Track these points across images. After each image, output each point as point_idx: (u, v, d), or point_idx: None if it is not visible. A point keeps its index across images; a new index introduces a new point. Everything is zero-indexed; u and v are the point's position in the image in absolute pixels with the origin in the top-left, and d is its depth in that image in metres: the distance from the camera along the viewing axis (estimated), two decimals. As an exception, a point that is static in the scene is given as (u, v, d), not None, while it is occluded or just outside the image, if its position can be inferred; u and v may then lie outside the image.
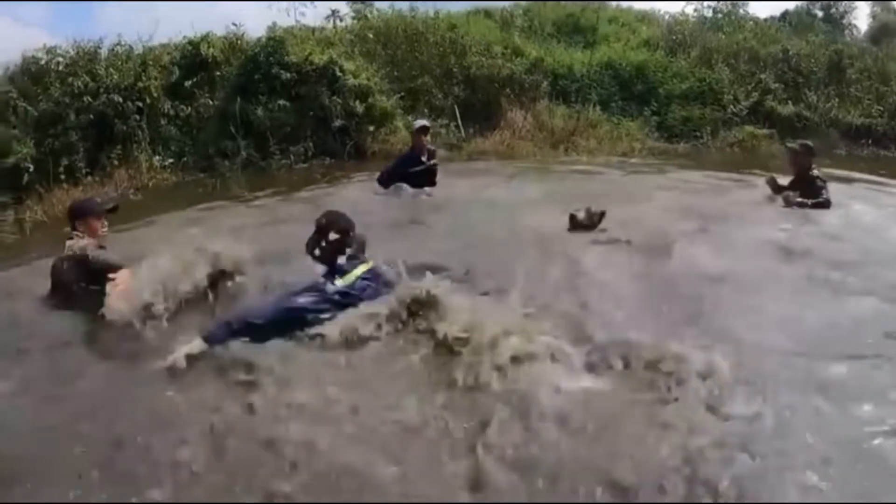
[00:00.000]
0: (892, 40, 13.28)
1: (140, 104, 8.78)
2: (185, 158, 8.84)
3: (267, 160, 8.83)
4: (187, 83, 9.24)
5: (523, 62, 10.45)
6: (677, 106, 10.98)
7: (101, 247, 3.69)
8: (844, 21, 15.77)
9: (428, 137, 6.35)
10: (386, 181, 6.13)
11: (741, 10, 14.10)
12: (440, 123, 9.50)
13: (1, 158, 8.28)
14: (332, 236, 3.12)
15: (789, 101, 11.18)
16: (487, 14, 13.15)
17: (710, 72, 11.44)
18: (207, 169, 8.73)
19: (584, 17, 13.37)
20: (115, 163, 8.47)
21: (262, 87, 9.08)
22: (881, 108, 11.04)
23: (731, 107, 11.03)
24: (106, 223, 3.78)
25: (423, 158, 6.13)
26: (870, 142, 10.72)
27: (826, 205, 5.35)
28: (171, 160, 8.76)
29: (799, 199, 5.38)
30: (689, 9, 14.42)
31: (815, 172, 5.63)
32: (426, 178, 6.11)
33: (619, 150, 9.77)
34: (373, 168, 8.06)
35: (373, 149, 9.11)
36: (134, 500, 1.80)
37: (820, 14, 15.61)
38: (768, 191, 5.79)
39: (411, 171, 6.08)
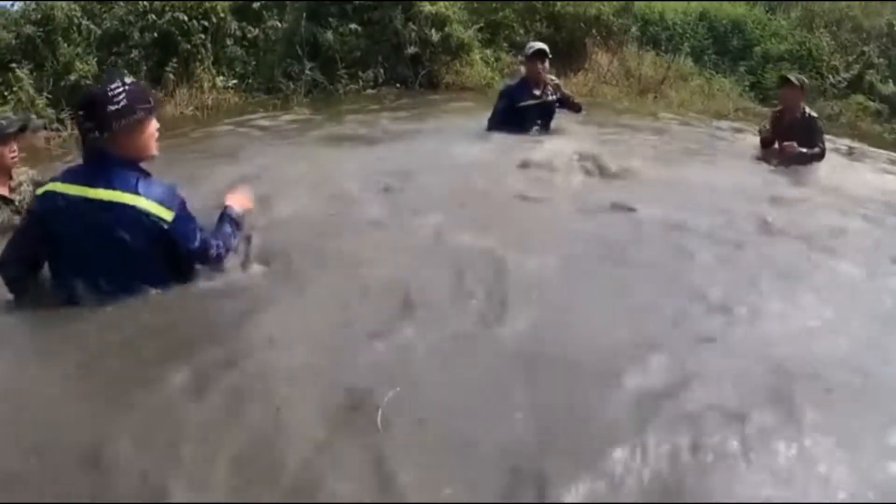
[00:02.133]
0: None
1: (206, 24, 8.38)
2: (248, 80, 8.44)
3: (334, 84, 8.35)
4: (256, 4, 8.78)
5: (612, 4, 9.71)
6: (773, 67, 10.06)
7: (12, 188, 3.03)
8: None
9: (546, 65, 5.15)
10: (495, 124, 4.99)
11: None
12: (519, 60, 8.78)
13: (64, 76, 8.01)
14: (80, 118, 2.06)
15: (890, 80, 10.09)
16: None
17: (811, 36, 10.48)
18: (272, 91, 8.32)
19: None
20: (177, 81, 8.08)
21: (333, 10, 8.61)
22: None
23: (831, 76, 10.05)
24: (16, 148, 3.02)
25: (537, 92, 5.03)
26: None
27: (822, 156, 4.58)
28: (234, 81, 8.36)
29: (800, 150, 4.51)
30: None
31: (812, 112, 4.71)
32: (539, 115, 5.06)
33: (712, 107, 8.93)
34: (443, 98, 7.53)
35: (446, 80, 8.55)
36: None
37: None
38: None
39: (520, 105, 4.95)
